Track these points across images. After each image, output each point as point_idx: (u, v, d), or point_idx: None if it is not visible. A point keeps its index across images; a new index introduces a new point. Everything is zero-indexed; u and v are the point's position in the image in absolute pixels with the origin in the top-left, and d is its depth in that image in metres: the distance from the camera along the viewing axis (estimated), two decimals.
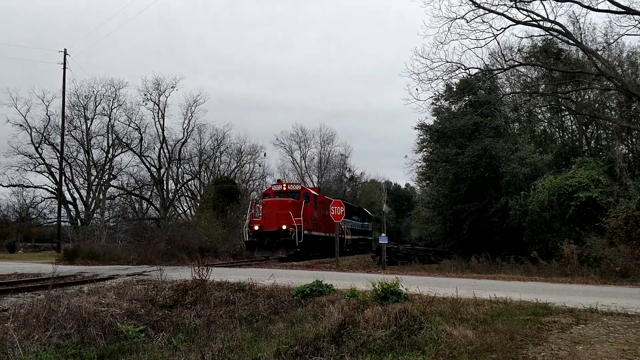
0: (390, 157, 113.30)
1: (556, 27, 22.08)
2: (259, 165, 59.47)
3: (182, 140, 51.64)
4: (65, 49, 39.95)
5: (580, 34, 26.30)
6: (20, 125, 45.48)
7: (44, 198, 47.88)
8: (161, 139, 50.55)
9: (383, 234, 24.05)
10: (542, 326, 7.57)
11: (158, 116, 50.14)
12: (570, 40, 23.52)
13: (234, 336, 7.41)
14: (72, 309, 7.57)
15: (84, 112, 47.81)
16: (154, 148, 51.08)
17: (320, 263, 25.76)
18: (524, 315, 8.24)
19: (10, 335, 6.14)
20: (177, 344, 6.97)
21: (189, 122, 51.58)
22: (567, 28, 23.40)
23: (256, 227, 26.13)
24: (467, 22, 21.85)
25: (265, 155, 60.18)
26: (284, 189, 29.13)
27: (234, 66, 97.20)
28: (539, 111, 33.40)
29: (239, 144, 58.47)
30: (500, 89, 32.82)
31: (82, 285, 10.90)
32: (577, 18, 26.40)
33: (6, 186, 46.21)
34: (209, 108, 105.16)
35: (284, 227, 25.34)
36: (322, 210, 30.24)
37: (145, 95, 49.69)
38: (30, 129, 46.08)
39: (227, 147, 56.19)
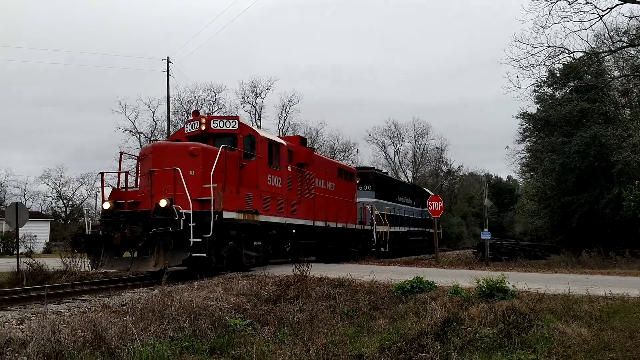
0: (490, 149, 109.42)
1: None
2: (352, 162, 59.77)
3: None
4: (168, 57, 42.24)
5: None
6: (130, 131, 48.93)
7: None
8: None
9: (485, 229, 23.21)
10: None
11: (255, 117, 51.82)
12: None
13: (336, 331, 7.47)
14: (184, 303, 7.99)
15: (187, 117, 50.49)
16: None
17: (419, 260, 25.40)
18: None
19: (129, 328, 6.56)
20: (282, 338, 7.14)
21: (284, 122, 52.84)
22: None
23: (106, 206, 12.99)
24: (570, 3, 20.60)
25: (357, 151, 60.24)
26: (204, 128, 15.03)
27: (325, 66, 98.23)
28: None
29: (331, 141, 59.15)
30: (608, 72, 30.52)
31: (192, 281, 11.48)
32: None
33: None
34: (303, 108, 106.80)
35: (164, 203, 11.97)
36: (307, 178, 18.07)
37: (242, 97, 51.45)
38: (139, 134, 49.43)
39: (320, 145, 56.96)
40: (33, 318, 7.23)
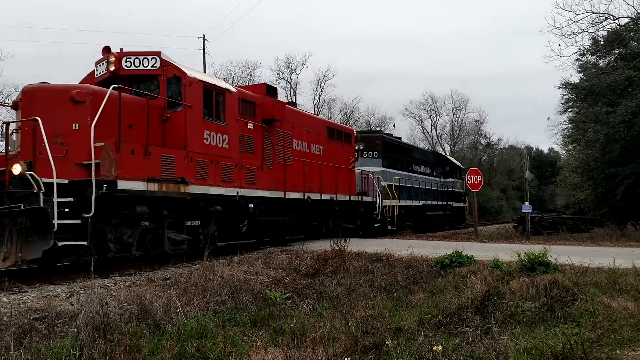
0: (530, 121, 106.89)
1: None
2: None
3: None
4: (203, 35, 42.15)
5: None
6: None
7: None
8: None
9: (526, 203, 22.75)
10: None
11: (290, 94, 51.80)
12: None
13: (375, 304, 7.52)
14: (226, 277, 8.16)
15: None
16: None
17: (458, 234, 25.16)
18: None
19: (173, 301, 6.75)
20: (321, 311, 7.23)
21: (319, 98, 52.65)
22: None
23: None
24: None
25: (394, 126, 59.47)
26: (113, 69, 11.45)
27: (359, 39, 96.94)
28: None
29: (367, 116, 58.65)
30: None
31: (233, 255, 11.70)
32: None
33: None
34: (338, 82, 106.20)
35: (18, 169, 8.91)
36: (277, 138, 14.86)
37: (277, 74, 51.42)
38: None
39: (356, 120, 56.66)
40: (81, 292, 7.50)
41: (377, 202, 20.60)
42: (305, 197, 15.74)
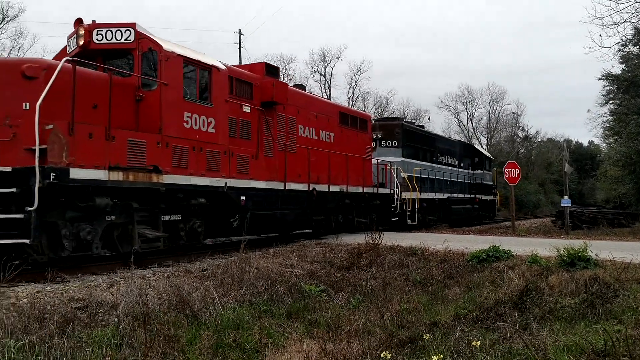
0: (569, 113, 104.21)
1: None
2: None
3: None
4: (239, 29, 42.55)
5: None
6: None
7: None
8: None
9: (565, 197, 22.21)
10: None
11: (325, 87, 51.83)
12: None
13: (409, 299, 7.48)
14: (261, 269, 8.24)
15: None
16: None
17: (494, 228, 24.81)
18: None
19: (210, 292, 6.86)
20: (355, 304, 7.24)
21: (353, 91, 52.52)
22: None
23: None
24: None
25: (429, 119, 59.01)
26: (82, 42, 10.08)
27: (395, 31, 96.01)
28: None
29: (402, 109, 58.18)
30: None
31: (268, 248, 11.80)
32: None
33: None
34: (373, 75, 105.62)
35: None
36: (278, 123, 13.51)
37: (312, 67, 51.47)
38: None
39: (390, 113, 56.27)
40: (122, 282, 7.69)
41: (396, 195, 19.04)
42: (310, 189, 14.36)
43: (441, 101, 70.81)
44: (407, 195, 20.17)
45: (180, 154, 10.14)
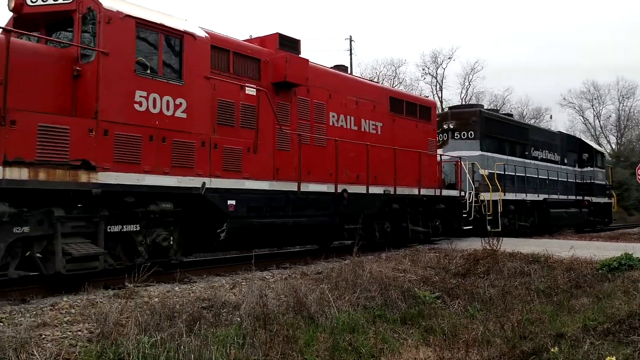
0: None
1: None
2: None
3: None
4: (350, 36, 43.07)
5: None
6: None
7: None
8: (441, 111, 51.14)
9: None
10: None
11: (436, 89, 50.87)
12: None
13: (532, 308, 7.12)
14: (374, 273, 8.25)
15: None
16: None
17: (627, 234, 22.84)
18: None
19: (326, 295, 6.98)
20: (473, 312, 7.01)
21: (466, 91, 51.11)
22: None
23: None
24: None
25: (551, 117, 55.74)
26: (13, 5, 7.91)
27: (512, 29, 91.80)
28: None
29: (520, 108, 55.55)
30: None
31: (380, 252, 11.80)
32: None
33: None
34: (487, 75, 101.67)
35: None
36: (295, 109, 11.28)
37: (423, 69, 50.77)
38: None
39: (508, 112, 53.83)
40: (243, 283, 8.08)
41: (468, 197, 15.91)
42: (339, 191, 11.60)
43: (564, 98, 66.60)
44: (486, 196, 17.10)
45: (128, 145, 7.93)
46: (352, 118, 12.57)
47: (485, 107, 23.77)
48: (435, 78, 50.95)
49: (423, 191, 14.17)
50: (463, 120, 18.87)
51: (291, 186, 10.70)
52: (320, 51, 74.06)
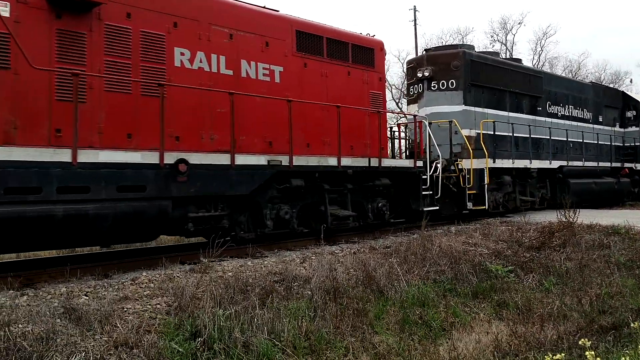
0: None
1: None
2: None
3: None
4: (414, 6, 41.89)
5: None
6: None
7: None
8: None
9: None
10: None
11: (506, 56, 48.79)
12: None
13: (612, 282, 6.85)
14: (444, 247, 8.17)
15: None
16: None
17: None
18: None
19: (394, 269, 7.00)
20: (548, 286, 6.83)
21: (538, 57, 48.63)
22: None
23: None
24: None
25: (631, 81, 52.24)
26: None
27: None
28: None
29: (597, 72, 52.36)
30: None
31: (450, 225, 11.61)
32: None
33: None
34: (561, 39, 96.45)
35: None
36: (99, 40, 7.15)
37: (491, 37, 48.92)
38: (391, 87, 50.78)
39: (583, 78, 51.05)
40: (313, 257, 8.19)
41: (428, 169, 11.73)
42: (172, 162, 7.50)
43: None
44: (466, 164, 12.93)
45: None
46: (223, 58, 8.81)
47: (546, 69, 18.91)
48: (505, 45, 48.84)
49: (347, 161, 10.12)
50: (442, 65, 14.33)
51: (64, 156, 6.52)
52: (383, 23, 72.77)
